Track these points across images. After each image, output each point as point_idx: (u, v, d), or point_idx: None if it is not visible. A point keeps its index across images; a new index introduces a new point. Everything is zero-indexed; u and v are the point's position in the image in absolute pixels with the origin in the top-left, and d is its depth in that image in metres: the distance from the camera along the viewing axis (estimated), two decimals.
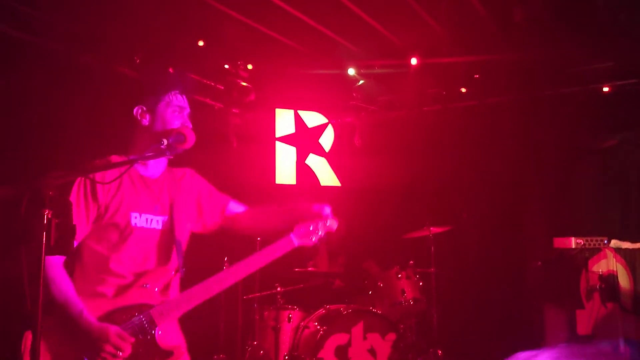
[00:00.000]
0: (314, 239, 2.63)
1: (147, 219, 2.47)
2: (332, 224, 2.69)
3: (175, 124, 2.50)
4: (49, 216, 1.77)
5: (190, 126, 2.53)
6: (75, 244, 2.31)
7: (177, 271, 2.51)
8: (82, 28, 4.44)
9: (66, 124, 4.27)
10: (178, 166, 2.69)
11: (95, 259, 2.37)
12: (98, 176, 2.36)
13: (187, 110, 2.57)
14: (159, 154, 2.37)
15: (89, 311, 2.26)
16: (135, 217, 2.44)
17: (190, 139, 2.40)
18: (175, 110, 2.52)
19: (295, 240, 2.60)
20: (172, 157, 2.45)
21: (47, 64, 4.31)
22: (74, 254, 2.38)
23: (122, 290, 2.37)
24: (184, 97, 2.57)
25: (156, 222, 2.50)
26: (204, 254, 3.07)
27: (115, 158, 2.45)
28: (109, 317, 2.30)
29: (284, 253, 2.59)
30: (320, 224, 2.64)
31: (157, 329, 2.35)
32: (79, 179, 2.31)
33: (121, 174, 2.27)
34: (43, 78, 4.18)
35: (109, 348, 2.23)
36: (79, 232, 2.31)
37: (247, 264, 2.54)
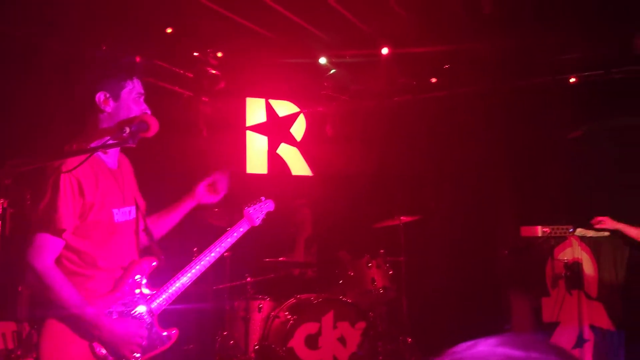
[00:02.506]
0: (259, 220, 3.01)
1: (123, 212, 2.48)
2: (270, 205, 3.11)
3: (137, 110, 2.46)
4: (5, 205, 1.72)
5: (149, 112, 2.49)
6: (63, 241, 2.28)
7: (158, 259, 2.56)
8: (48, 13, 4.32)
9: (26, 112, 4.16)
10: (140, 155, 2.65)
11: (81, 256, 2.34)
12: (64, 166, 2.29)
13: (144, 95, 2.53)
14: (122, 142, 2.33)
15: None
16: (116, 213, 2.44)
17: (154, 127, 2.36)
18: (136, 97, 2.48)
19: (247, 223, 2.95)
20: (134, 146, 2.40)
21: (6, 48, 4.19)
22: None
23: (116, 284, 2.41)
24: (140, 81, 2.53)
25: (129, 212, 2.52)
26: (172, 245, 3.05)
27: (76, 146, 2.40)
28: (112, 312, 2.36)
29: (241, 234, 2.90)
30: (263, 206, 3.03)
31: (155, 317, 2.48)
32: (63, 174, 2.24)
33: (81, 162, 2.21)
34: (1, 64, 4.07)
35: (136, 342, 2.36)
36: (68, 228, 2.28)
37: (217, 246, 2.76)
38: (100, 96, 2.41)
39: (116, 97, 2.43)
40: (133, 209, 2.55)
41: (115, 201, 2.45)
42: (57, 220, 2.23)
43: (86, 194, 2.31)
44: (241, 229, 2.91)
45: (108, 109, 2.42)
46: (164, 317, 2.57)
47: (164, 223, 2.78)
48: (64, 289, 2.23)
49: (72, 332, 2.25)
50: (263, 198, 3.10)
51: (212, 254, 2.74)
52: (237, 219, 2.98)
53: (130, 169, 2.70)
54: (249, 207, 3.01)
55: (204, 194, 2.83)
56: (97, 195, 2.35)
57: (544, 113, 5.71)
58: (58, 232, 2.24)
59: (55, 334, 2.23)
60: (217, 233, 2.92)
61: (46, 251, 2.23)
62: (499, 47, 5.35)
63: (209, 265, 2.71)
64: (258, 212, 3.03)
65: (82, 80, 2.46)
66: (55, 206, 2.22)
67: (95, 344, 2.29)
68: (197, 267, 2.66)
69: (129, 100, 2.45)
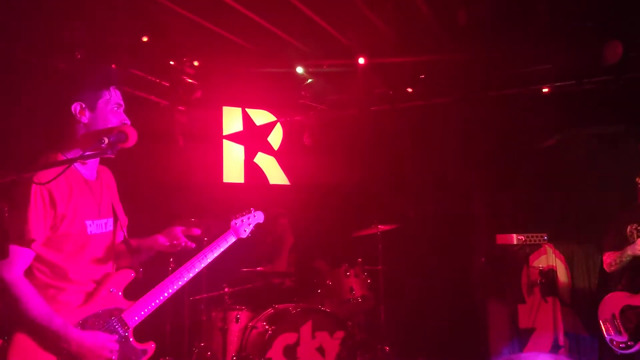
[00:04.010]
0: (247, 233, 2.99)
1: (98, 224, 2.45)
2: (260, 216, 3.08)
3: (114, 121, 2.44)
4: None
5: (129, 123, 2.47)
6: (33, 252, 2.25)
7: (135, 271, 2.53)
8: (18, 22, 4.25)
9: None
10: (115, 165, 2.62)
11: (52, 268, 2.30)
12: (36, 177, 2.24)
13: (123, 106, 2.51)
14: (100, 153, 2.30)
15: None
16: (90, 225, 2.40)
17: (132, 137, 2.34)
18: (114, 107, 2.46)
19: (234, 235, 2.91)
20: (113, 157, 2.37)
21: None
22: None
23: (89, 297, 2.38)
24: (119, 92, 2.51)
25: (104, 225, 2.48)
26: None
27: (52, 157, 2.36)
28: (84, 324, 2.32)
29: (226, 247, 2.85)
30: (252, 218, 3.00)
31: (130, 330, 2.44)
32: (34, 185, 2.20)
33: (59, 174, 2.17)
34: None
35: (105, 355, 2.31)
36: (38, 239, 2.24)
37: (201, 261, 2.71)
38: (76, 107, 2.39)
39: (92, 107, 2.41)
40: (110, 221, 2.52)
41: (90, 213, 2.42)
42: (26, 231, 2.19)
43: (58, 205, 2.27)
44: (227, 241, 2.86)
45: (84, 120, 2.40)
46: (139, 329, 2.54)
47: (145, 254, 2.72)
48: (32, 300, 2.19)
49: (40, 346, 2.20)
50: (252, 209, 3.07)
51: (196, 269, 2.69)
52: (223, 230, 2.93)
53: (113, 182, 2.67)
54: (236, 218, 2.98)
55: (164, 245, 2.70)
56: (69, 206, 2.32)
57: (518, 122, 5.80)
58: (27, 243, 2.21)
59: (24, 347, 2.18)
60: (194, 242, 2.88)
61: (15, 262, 2.19)
62: (473, 57, 5.42)
63: (190, 278, 2.68)
64: (246, 224, 2.99)
65: (57, 91, 2.42)
66: (25, 217, 2.19)
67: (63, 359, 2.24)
68: (180, 282, 2.62)
69: (106, 111, 2.43)
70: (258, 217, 3.08)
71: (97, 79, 2.48)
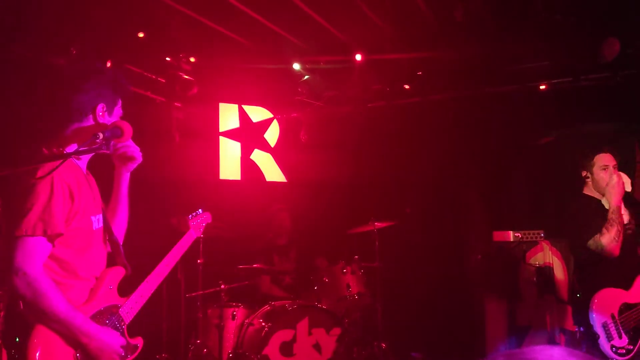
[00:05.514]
0: (200, 231, 3.14)
1: (97, 219, 2.45)
2: (208, 217, 3.30)
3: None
4: None
5: None
6: (52, 247, 2.22)
7: (126, 268, 2.53)
8: (13, 17, 4.22)
9: None
10: (111, 162, 2.61)
11: (62, 265, 2.28)
12: (40, 172, 2.21)
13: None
14: (95, 148, 2.28)
15: None
16: (94, 220, 2.41)
17: (128, 133, 2.34)
18: (120, 111, 2.50)
19: (194, 233, 3.06)
20: (108, 152, 2.35)
21: None
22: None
23: (92, 293, 2.38)
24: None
25: (98, 220, 2.48)
26: (144, 252, 3.00)
27: (55, 150, 2.32)
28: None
29: (190, 244, 2.96)
30: (200, 217, 3.18)
31: (125, 326, 2.46)
32: (55, 179, 2.18)
33: (54, 167, 2.13)
34: None
35: (118, 351, 2.34)
36: (63, 232, 2.23)
37: (172, 255, 2.79)
38: (101, 108, 2.39)
39: (110, 111, 2.44)
40: (101, 216, 2.51)
41: (92, 208, 2.41)
42: (53, 224, 2.17)
43: (75, 199, 2.27)
44: (190, 239, 2.99)
45: (103, 122, 2.40)
46: (135, 326, 2.53)
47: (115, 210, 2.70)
48: (55, 295, 2.17)
49: (61, 339, 2.19)
50: (200, 210, 3.27)
51: (171, 263, 2.77)
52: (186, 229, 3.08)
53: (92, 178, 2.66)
54: (192, 219, 3.17)
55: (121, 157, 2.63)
56: (81, 201, 2.31)
57: (515, 119, 5.79)
58: (52, 237, 2.19)
59: (44, 341, 2.16)
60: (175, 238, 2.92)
61: (37, 256, 2.17)
62: (470, 54, 5.41)
63: (167, 270, 2.72)
64: (199, 223, 3.19)
65: (82, 89, 2.38)
66: (51, 210, 2.16)
67: (79, 354, 2.23)
68: (154, 274, 2.66)
69: (117, 117, 2.46)
70: (206, 217, 3.29)
71: (119, 83, 2.48)
